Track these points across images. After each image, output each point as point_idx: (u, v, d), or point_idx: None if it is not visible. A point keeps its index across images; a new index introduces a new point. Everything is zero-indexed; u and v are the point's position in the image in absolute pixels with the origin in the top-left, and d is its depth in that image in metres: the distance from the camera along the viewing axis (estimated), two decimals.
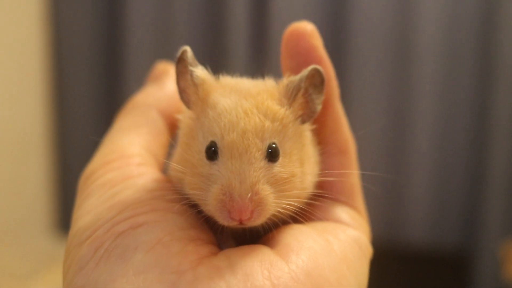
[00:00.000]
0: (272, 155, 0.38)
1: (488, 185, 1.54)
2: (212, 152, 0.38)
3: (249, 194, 0.36)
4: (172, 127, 0.47)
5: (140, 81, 1.76)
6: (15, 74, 1.60)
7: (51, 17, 1.74)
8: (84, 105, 1.77)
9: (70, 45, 1.74)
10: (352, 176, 0.44)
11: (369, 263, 0.41)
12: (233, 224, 0.36)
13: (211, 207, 0.36)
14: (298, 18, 1.65)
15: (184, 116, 0.42)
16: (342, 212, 0.42)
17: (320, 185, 0.43)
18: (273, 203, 0.37)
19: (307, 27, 0.42)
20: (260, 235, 0.40)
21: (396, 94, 1.61)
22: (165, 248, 0.34)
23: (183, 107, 0.43)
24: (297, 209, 0.40)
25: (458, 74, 1.58)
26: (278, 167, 0.38)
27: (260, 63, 1.55)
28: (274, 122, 0.38)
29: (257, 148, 0.37)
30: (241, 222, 0.36)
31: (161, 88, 0.49)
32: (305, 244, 0.36)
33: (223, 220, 0.36)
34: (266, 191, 0.37)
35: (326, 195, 0.42)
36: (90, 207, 0.38)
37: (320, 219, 0.41)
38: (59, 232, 1.81)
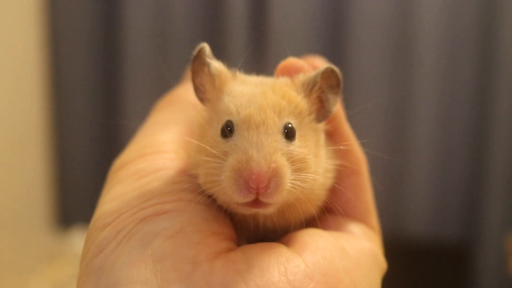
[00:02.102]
0: (288, 134, 0.37)
1: (490, 177, 1.54)
2: (227, 130, 0.37)
3: (267, 161, 0.35)
4: None
5: (138, 76, 1.74)
6: (13, 70, 1.60)
7: (49, 12, 1.73)
8: (82, 101, 1.77)
9: (68, 39, 1.74)
10: (366, 195, 0.44)
11: (381, 277, 0.41)
12: (249, 198, 0.35)
13: (227, 180, 0.35)
14: (298, 10, 1.65)
15: (199, 113, 0.43)
16: (356, 227, 0.43)
17: (334, 204, 0.43)
18: (290, 177, 0.36)
19: (297, 64, 0.43)
20: (275, 239, 0.40)
21: (397, 87, 1.61)
22: (186, 237, 0.34)
23: (198, 104, 0.43)
24: (310, 208, 0.40)
25: (459, 64, 1.58)
26: (294, 146, 0.37)
27: (260, 60, 1.55)
28: (291, 104, 0.39)
29: (274, 122, 0.37)
30: (257, 199, 0.35)
31: None
32: (321, 245, 0.36)
33: (239, 193, 0.35)
34: (284, 162, 0.36)
35: (340, 212, 0.43)
36: (117, 194, 0.38)
37: (334, 230, 0.42)
38: (58, 228, 1.81)
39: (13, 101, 1.59)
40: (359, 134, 0.46)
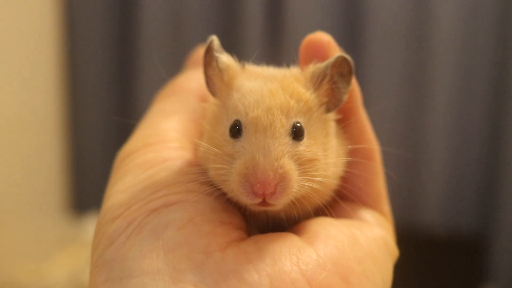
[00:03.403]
0: (296, 134, 0.37)
1: (506, 168, 1.52)
2: (236, 130, 0.37)
3: (274, 168, 0.35)
4: None
5: (153, 63, 1.74)
6: (31, 61, 1.61)
7: (65, 6, 1.75)
8: (97, 89, 1.78)
9: (83, 33, 1.75)
10: (378, 181, 0.44)
11: (393, 264, 0.41)
12: (256, 201, 0.36)
13: (234, 183, 0.36)
14: (313, 3, 1.62)
15: (210, 104, 0.43)
16: (367, 214, 0.43)
17: (346, 191, 0.43)
18: (297, 180, 0.36)
19: (323, 38, 0.42)
20: (285, 227, 0.40)
21: (413, 76, 1.59)
22: (196, 227, 0.34)
23: (209, 96, 0.43)
24: (320, 200, 0.40)
25: (475, 52, 1.56)
26: (302, 147, 0.37)
27: (275, 52, 1.53)
28: (299, 102, 0.38)
29: (282, 124, 0.37)
30: (264, 200, 0.36)
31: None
32: (332, 234, 0.36)
33: (246, 196, 0.35)
34: (291, 166, 0.36)
35: (352, 199, 0.43)
36: (125, 186, 0.38)
37: (345, 217, 0.41)
38: (73, 214, 1.82)
39: (30, 90, 1.60)
40: (375, 125, 0.46)
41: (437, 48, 1.55)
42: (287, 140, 0.37)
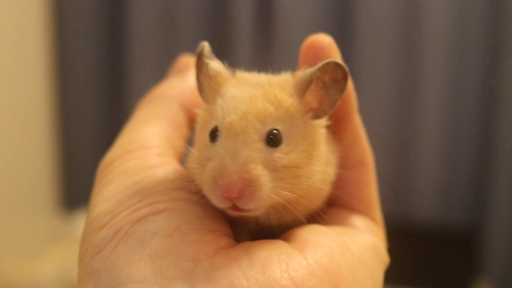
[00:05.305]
0: (273, 140, 0.37)
1: (498, 160, 1.53)
2: (214, 135, 0.37)
3: (238, 171, 0.35)
4: (192, 120, 0.47)
5: (143, 64, 1.74)
6: (21, 57, 1.61)
7: (55, 4, 1.74)
8: (88, 85, 1.78)
9: (73, 28, 1.75)
10: (370, 187, 0.44)
11: (384, 271, 0.41)
12: (225, 205, 0.35)
13: (205, 185, 0.36)
14: (304, 4, 1.62)
15: (201, 110, 0.42)
16: (358, 220, 0.43)
17: (337, 197, 0.42)
18: (267, 186, 0.35)
19: (324, 40, 0.42)
20: (276, 235, 0.39)
21: (404, 68, 1.60)
22: (183, 236, 0.34)
23: (201, 101, 0.43)
24: (310, 207, 0.40)
25: (466, 48, 1.57)
26: (278, 153, 0.37)
27: (264, 51, 1.54)
28: (279, 109, 0.38)
29: (255, 129, 0.36)
30: (234, 205, 0.35)
31: (184, 81, 0.49)
32: (322, 241, 0.36)
33: (215, 199, 0.35)
34: (259, 171, 0.35)
35: (343, 205, 0.43)
36: (110, 194, 0.38)
37: (336, 224, 0.41)
38: (64, 210, 1.81)
39: (20, 87, 1.59)
40: (367, 120, 0.45)
41: (430, 45, 1.56)
42: (259, 146, 0.36)
